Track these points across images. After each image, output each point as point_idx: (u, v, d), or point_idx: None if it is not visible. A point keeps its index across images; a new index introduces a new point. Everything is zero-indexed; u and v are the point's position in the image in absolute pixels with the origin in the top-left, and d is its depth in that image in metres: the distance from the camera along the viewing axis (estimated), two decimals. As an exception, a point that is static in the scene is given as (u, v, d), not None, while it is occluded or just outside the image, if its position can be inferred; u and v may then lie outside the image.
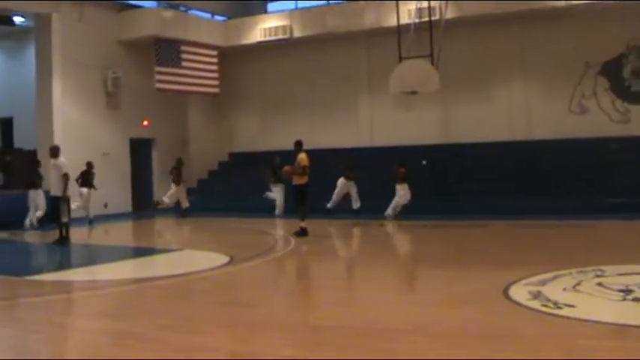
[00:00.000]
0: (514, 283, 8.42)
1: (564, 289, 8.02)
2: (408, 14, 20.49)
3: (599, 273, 8.86)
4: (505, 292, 7.96)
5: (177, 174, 21.34)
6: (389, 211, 18.59)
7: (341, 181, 19.44)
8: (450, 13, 20.18)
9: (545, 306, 7.15)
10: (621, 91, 20.04)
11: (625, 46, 19.98)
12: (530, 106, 21.10)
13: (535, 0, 19.63)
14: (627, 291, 7.68)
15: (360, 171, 19.60)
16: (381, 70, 20.96)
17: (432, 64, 18.92)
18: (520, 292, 7.87)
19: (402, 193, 18.56)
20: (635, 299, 7.36)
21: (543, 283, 8.39)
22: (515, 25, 21.02)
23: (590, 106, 20.34)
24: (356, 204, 19.47)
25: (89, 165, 19.22)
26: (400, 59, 19.16)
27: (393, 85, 19.28)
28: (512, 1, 19.78)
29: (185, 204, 21.49)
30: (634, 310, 7.01)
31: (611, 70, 20.10)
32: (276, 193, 20.60)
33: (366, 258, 13.02)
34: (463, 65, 21.15)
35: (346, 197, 19.63)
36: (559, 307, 7.08)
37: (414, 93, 19.45)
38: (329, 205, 19.39)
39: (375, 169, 20.31)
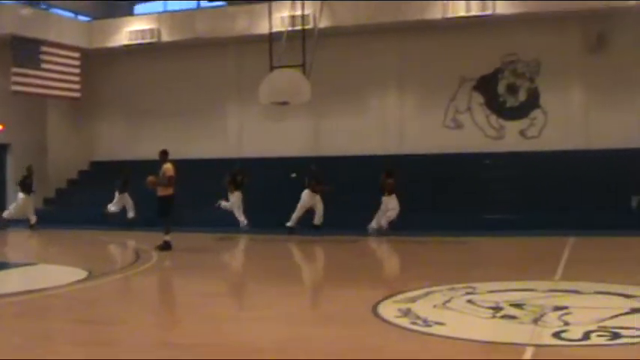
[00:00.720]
0: (384, 300, 8.61)
1: (434, 307, 8.25)
2: (280, 22, 20.78)
3: (470, 290, 9.16)
4: (374, 309, 8.11)
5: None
6: (373, 224, 18.21)
7: (306, 193, 18.87)
8: (324, 22, 20.63)
9: (415, 324, 7.32)
10: (496, 106, 21.15)
11: (500, 61, 21.09)
12: (405, 120, 21.87)
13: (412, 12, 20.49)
14: (497, 308, 7.98)
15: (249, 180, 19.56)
16: (251, 78, 21.00)
17: (304, 73, 19.17)
18: (389, 310, 8.04)
19: (393, 206, 18.12)
20: (505, 316, 7.65)
21: (414, 300, 8.58)
22: (391, 37, 21.66)
23: (465, 121, 21.32)
24: (318, 220, 18.95)
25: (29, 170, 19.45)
26: (271, 68, 19.34)
27: (262, 94, 19.39)
28: (387, 13, 20.47)
29: (32, 218, 20.83)
30: (503, 327, 7.30)
31: (487, 85, 21.20)
32: (234, 203, 19.81)
33: (232, 274, 13.06)
34: (337, 76, 21.61)
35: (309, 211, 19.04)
36: (428, 325, 7.26)
37: (284, 103, 19.57)
38: (289, 224, 18.66)
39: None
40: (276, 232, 18.31)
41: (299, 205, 18.80)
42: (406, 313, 7.86)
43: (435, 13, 20.50)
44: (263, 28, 20.70)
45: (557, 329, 6.92)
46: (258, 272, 13.10)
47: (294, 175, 20.55)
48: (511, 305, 8.12)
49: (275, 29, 20.18)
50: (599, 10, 19.30)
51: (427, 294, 9.03)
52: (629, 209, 17.99)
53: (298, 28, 20.01)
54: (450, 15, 20.31)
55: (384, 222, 18.17)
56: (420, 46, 21.56)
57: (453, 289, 9.33)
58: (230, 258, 16.09)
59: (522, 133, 20.93)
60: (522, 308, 7.97)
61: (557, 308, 7.90)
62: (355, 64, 21.98)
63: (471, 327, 7.39)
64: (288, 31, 20.22)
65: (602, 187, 18.27)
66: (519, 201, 18.63)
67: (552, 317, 7.47)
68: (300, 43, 19.39)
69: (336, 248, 16.50)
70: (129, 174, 20.41)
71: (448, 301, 8.57)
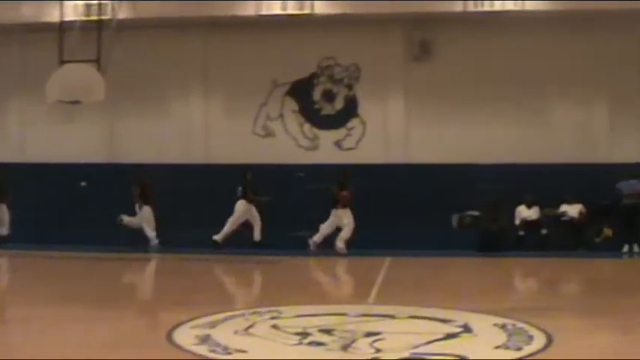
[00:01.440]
0: (180, 325, 8.25)
1: (236, 332, 7.97)
2: (73, 10, 19.95)
3: (275, 314, 9.01)
4: (169, 335, 7.75)
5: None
6: (339, 243, 17.66)
7: (240, 204, 18.18)
8: (123, 13, 19.93)
9: (214, 351, 7.00)
10: (310, 114, 21.19)
11: (317, 65, 21.19)
12: (210, 126, 21.43)
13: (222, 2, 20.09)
14: (304, 334, 7.82)
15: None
16: (37, 73, 19.67)
17: (99, 70, 18.60)
18: (186, 336, 7.70)
19: (348, 221, 17.72)
20: (312, 343, 7.48)
21: (213, 325, 8.29)
22: (197, 33, 21.20)
23: (276, 128, 21.18)
24: (258, 235, 18.32)
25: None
26: (61, 62, 18.65)
27: (50, 91, 18.58)
28: (195, 6, 19.96)
29: None
30: (310, 354, 7.14)
31: (301, 91, 21.19)
32: (144, 218, 18.70)
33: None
34: (136, 74, 20.81)
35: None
36: (229, 353, 6.98)
37: (75, 102, 18.82)
38: (217, 237, 18.03)
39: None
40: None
41: (232, 219, 18.20)
42: (204, 339, 7.49)
43: (248, 9, 20.25)
44: (53, 16, 19.76)
45: (369, 356, 6.87)
46: (57, 294, 12.18)
47: (84, 183, 19.67)
48: (320, 331, 7.96)
49: (67, 18, 19.45)
50: (423, 16, 19.97)
51: (228, 318, 8.74)
52: (449, 228, 18.75)
53: (94, 18, 19.34)
54: (264, 12, 20.13)
55: (340, 244, 17.76)
56: (229, 45, 21.18)
57: (257, 312, 9.14)
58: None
59: (338, 143, 21.07)
60: (332, 334, 7.84)
61: (369, 334, 7.84)
62: (157, 62, 21.19)
63: (275, 355, 7.18)
64: (82, 22, 19.45)
65: (422, 204, 18.69)
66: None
67: (364, 344, 7.38)
68: (95, 35, 18.70)
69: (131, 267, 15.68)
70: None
71: (251, 326, 8.30)
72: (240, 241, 18.10)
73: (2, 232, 19.03)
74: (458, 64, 20.61)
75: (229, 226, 18.27)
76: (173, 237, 18.32)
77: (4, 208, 19.08)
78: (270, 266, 15.70)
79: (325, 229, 18.01)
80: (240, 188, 18.45)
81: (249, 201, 18.41)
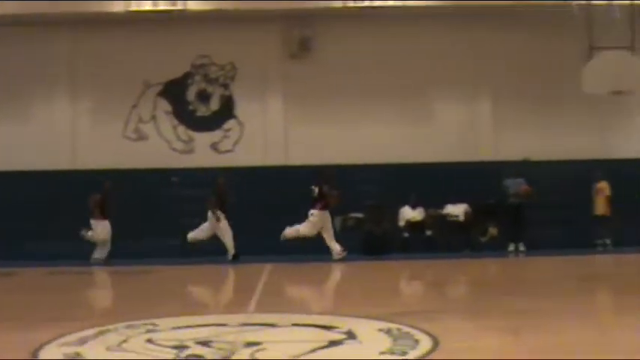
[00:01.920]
0: (47, 343, 7.89)
1: (108, 349, 7.74)
2: None
3: (150, 327, 8.75)
4: (35, 354, 7.41)
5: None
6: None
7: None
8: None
9: None
10: (185, 115, 21.27)
11: (191, 64, 21.17)
12: (78, 129, 21.11)
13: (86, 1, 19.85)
14: (182, 347, 7.68)
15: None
16: None
17: None
18: (53, 354, 7.40)
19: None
20: (190, 356, 7.39)
21: (83, 341, 8.00)
22: (62, 30, 21.13)
23: (149, 131, 21.04)
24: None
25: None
26: None
27: None
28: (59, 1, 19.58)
29: None
30: None
31: (174, 92, 21.22)
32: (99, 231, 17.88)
33: None
34: (-1, 73, 20.05)
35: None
36: None
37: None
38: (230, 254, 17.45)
39: None
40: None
41: (203, 226, 17.86)
42: (74, 358, 7.24)
43: (117, 5, 20.07)
44: None
45: None
46: None
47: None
48: (197, 343, 7.83)
49: None
50: (302, 12, 20.52)
51: (100, 334, 8.42)
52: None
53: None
54: (133, 8, 19.93)
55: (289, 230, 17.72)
56: (97, 43, 21.01)
57: (130, 326, 8.82)
58: None
59: (214, 146, 21.13)
60: (210, 346, 7.74)
61: (249, 344, 7.78)
62: (18, 60, 20.81)
63: None
64: None
65: (301, 208, 18.68)
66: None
67: (244, 354, 7.36)
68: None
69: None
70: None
71: (125, 341, 8.01)
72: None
73: None
74: (339, 62, 21.10)
75: (200, 232, 17.99)
76: (41, 248, 17.85)
77: None
78: (145, 276, 15.53)
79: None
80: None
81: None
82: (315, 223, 17.51)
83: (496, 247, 18.86)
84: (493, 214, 19.66)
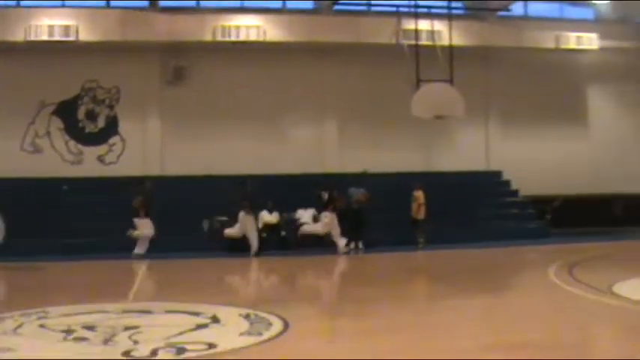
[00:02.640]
0: None
1: (4, 333, 8.02)
2: None
3: (42, 315, 9.04)
4: None
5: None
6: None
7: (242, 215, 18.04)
8: None
9: None
10: (75, 132, 21.25)
11: (80, 87, 21.23)
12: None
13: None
14: (69, 331, 8.01)
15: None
16: None
17: None
18: None
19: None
20: (76, 339, 7.70)
21: None
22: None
23: (44, 145, 20.96)
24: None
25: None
26: None
27: None
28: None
29: None
30: (74, 349, 7.34)
31: (67, 111, 21.15)
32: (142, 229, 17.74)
33: None
34: None
35: None
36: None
37: None
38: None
39: None
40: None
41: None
42: None
43: (17, 34, 19.93)
44: None
45: (127, 348, 7.13)
46: None
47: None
48: (83, 327, 8.17)
49: None
50: (177, 44, 20.76)
51: None
52: (201, 232, 19.23)
53: None
54: (32, 38, 19.87)
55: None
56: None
57: (25, 314, 9.12)
58: None
59: (100, 158, 21.34)
60: (94, 330, 8.07)
61: (127, 328, 8.10)
62: None
63: (42, 351, 7.32)
64: None
65: (173, 212, 19.10)
66: (98, 226, 18.58)
67: (123, 337, 7.66)
68: None
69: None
70: None
71: (19, 326, 8.38)
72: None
73: None
74: (209, 87, 21.79)
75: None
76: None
77: None
78: (38, 271, 15.35)
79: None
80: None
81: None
82: (327, 223, 18.77)
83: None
84: (338, 219, 19.36)
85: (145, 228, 17.88)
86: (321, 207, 19.05)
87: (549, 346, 7.42)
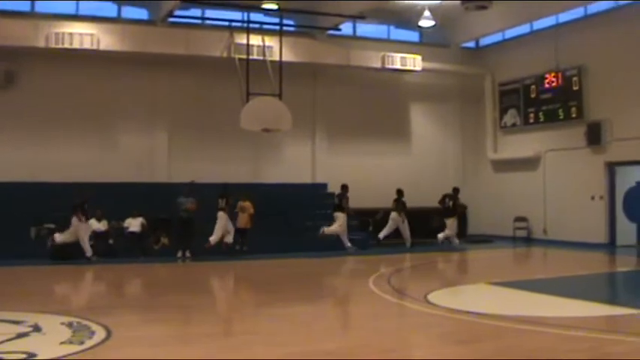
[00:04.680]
0: None
1: None
2: None
3: None
4: None
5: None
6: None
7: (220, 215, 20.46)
8: None
9: None
10: None
11: None
12: None
13: None
14: None
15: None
16: None
17: None
18: None
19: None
20: None
21: None
22: None
23: None
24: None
25: None
26: None
27: None
28: None
29: None
30: None
31: None
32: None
33: None
34: None
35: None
36: None
37: None
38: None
39: None
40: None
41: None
42: None
43: None
44: None
45: None
46: None
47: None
48: None
49: None
50: (8, 49, 21.19)
51: None
52: (26, 239, 19.95)
53: None
54: None
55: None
56: None
57: None
58: None
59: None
60: None
61: None
62: None
63: None
64: None
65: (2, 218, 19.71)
66: None
67: None
68: None
69: None
70: None
71: None
72: None
73: None
74: (39, 93, 22.39)
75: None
76: None
77: None
78: None
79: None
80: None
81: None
82: (342, 224, 22.31)
83: (167, 254, 20.27)
84: (166, 226, 21.04)
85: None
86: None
87: (367, 351, 8.43)
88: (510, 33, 28.15)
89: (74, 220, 19.29)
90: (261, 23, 24.24)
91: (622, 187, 23.99)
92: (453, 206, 24.57)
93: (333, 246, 22.34)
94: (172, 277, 17.83)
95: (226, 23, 24.04)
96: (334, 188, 25.08)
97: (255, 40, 23.81)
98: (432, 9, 24.58)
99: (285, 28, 24.70)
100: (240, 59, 23.24)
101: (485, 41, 29.65)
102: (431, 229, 25.22)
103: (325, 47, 25.74)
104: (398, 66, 26.72)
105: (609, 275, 18.25)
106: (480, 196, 28.03)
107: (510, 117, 28.11)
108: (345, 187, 22.93)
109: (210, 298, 13.36)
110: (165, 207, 21.02)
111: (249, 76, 22.63)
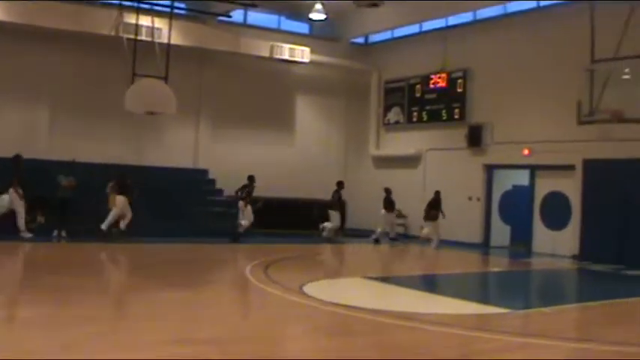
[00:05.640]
0: None
1: None
2: None
3: None
4: None
5: None
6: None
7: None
8: None
9: None
10: None
11: None
12: None
13: None
14: None
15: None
16: None
17: None
18: None
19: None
20: None
21: None
22: None
23: None
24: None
25: None
26: None
27: None
28: None
29: None
30: None
31: None
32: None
33: None
34: None
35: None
36: None
37: None
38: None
39: None
40: None
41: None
42: None
43: None
44: None
45: None
46: None
47: None
48: None
49: None
50: None
51: None
52: None
53: None
54: None
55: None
56: None
57: None
58: None
59: None
60: None
61: None
62: None
63: None
64: None
65: None
66: None
67: None
68: None
69: None
70: None
71: None
72: None
73: None
74: None
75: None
76: None
77: None
78: None
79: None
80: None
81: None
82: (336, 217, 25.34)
83: (43, 233, 20.34)
84: (43, 205, 20.94)
85: None
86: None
87: (238, 340, 8.62)
88: (400, 32, 29.50)
89: None
90: (152, 4, 24.39)
91: (499, 190, 25.66)
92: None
93: (214, 232, 22.93)
94: (49, 257, 17.77)
95: (116, 1, 24.24)
96: (216, 175, 25.70)
97: (145, 20, 24.04)
98: (323, 2, 25.43)
99: (175, 11, 24.97)
100: (128, 39, 23.41)
101: (374, 38, 30.89)
102: (312, 220, 26.12)
103: (215, 33, 26.27)
104: (286, 57, 27.55)
105: (482, 275, 19.40)
106: (361, 191, 29.12)
107: (394, 114, 29.38)
108: (251, 178, 23.44)
109: (86, 280, 13.12)
110: (45, 184, 20.97)
111: (137, 57, 22.84)
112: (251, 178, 23.40)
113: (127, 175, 21.81)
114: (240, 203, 23.23)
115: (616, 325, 11.22)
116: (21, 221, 20.18)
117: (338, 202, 25.69)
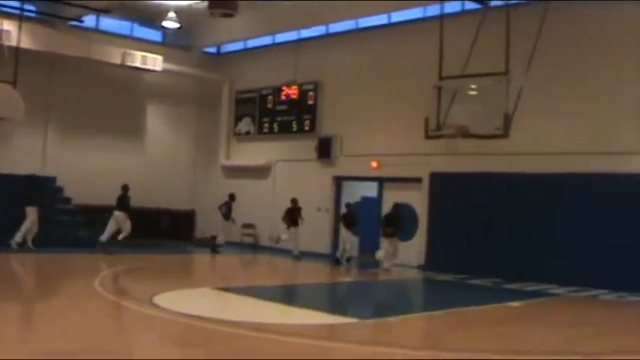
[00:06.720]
0: None
1: None
2: None
3: None
4: None
5: None
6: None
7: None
8: None
9: None
10: None
11: None
12: None
13: None
14: None
15: None
16: None
17: None
18: None
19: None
20: None
21: None
22: None
23: None
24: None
25: None
26: None
27: None
28: None
29: None
30: None
31: None
32: None
33: None
34: None
35: None
36: None
37: None
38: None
39: None
40: None
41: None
42: None
43: None
44: None
45: None
46: None
47: None
48: None
49: None
50: None
51: None
52: None
53: None
54: None
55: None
56: None
57: None
58: None
59: None
60: None
61: None
62: None
63: None
64: None
65: None
66: None
67: None
68: None
69: None
70: None
71: None
72: None
73: None
74: None
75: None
76: None
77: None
78: None
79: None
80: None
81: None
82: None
83: None
84: None
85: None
86: None
87: (90, 352, 8.47)
88: (253, 43, 30.57)
89: None
90: (1, 5, 24.22)
91: (348, 201, 26.78)
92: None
93: (61, 242, 22.94)
94: None
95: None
96: (64, 182, 25.78)
97: (-6, 22, 23.87)
98: (177, 11, 26.08)
99: (25, 13, 24.92)
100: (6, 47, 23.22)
101: (226, 48, 31.84)
102: (160, 229, 26.57)
103: (65, 38, 26.34)
104: (138, 64, 27.95)
105: (331, 285, 20.47)
106: (210, 201, 29.79)
107: (245, 125, 30.39)
108: (125, 188, 23.67)
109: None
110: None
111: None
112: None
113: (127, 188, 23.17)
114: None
115: (459, 333, 12.03)
116: None
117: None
